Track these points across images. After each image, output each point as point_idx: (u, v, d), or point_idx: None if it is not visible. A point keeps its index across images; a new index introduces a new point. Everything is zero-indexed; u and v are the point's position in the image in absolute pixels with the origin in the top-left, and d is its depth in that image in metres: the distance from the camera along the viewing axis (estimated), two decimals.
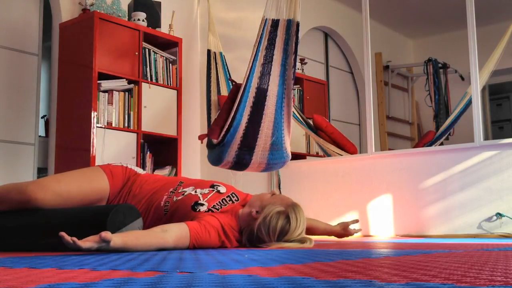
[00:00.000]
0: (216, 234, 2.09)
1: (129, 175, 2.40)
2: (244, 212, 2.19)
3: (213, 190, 2.28)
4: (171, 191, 2.27)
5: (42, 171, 4.07)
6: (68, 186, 2.21)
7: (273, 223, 2.08)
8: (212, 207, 2.19)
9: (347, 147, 4.60)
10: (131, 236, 1.82)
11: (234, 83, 3.88)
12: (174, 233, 1.95)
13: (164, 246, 1.91)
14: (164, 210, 2.21)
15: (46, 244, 2.02)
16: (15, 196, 2.14)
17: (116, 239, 1.69)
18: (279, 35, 3.29)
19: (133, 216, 2.04)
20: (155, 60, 4.22)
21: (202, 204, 2.18)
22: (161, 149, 4.26)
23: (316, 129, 4.71)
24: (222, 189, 2.31)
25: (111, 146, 3.78)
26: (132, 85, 4.00)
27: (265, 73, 3.29)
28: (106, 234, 1.64)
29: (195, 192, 2.25)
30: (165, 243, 1.91)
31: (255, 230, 2.10)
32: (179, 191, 2.26)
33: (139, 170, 2.48)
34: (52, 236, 1.65)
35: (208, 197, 2.22)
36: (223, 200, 2.24)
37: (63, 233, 1.61)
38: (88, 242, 1.63)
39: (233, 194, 2.30)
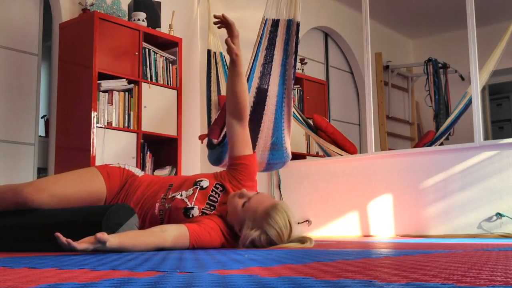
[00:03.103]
0: (216, 235, 2.08)
1: (127, 177, 2.38)
2: (230, 222, 2.15)
3: (197, 188, 2.22)
4: (162, 198, 2.23)
5: (42, 171, 4.07)
6: (65, 188, 2.20)
7: (260, 242, 2.02)
8: (203, 210, 2.16)
9: (347, 147, 4.60)
10: (128, 236, 1.81)
11: None
12: (173, 232, 1.95)
13: (163, 245, 1.90)
14: (160, 219, 2.19)
15: (44, 244, 2.01)
16: (11, 197, 2.14)
17: (113, 239, 1.69)
18: (279, 35, 3.29)
19: (128, 214, 2.03)
20: (155, 60, 4.22)
21: (192, 208, 2.15)
22: (161, 149, 4.26)
23: (316, 129, 4.71)
24: (205, 183, 2.24)
25: (111, 146, 3.78)
26: (132, 85, 4.00)
27: (265, 73, 3.29)
28: (101, 235, 1.64)
29: (181, 196, 2.20)
30: (164, 242, 1.90)
31: (246, 246, 2.06)
32: (169, 196, 2.22)
33: (137, 172, 2.45)
34: (50, 236, 1.65)
35: (194, 198, 2.18)
36: (210, 200, 2.19)
37: (58, 234, 1.60)
38: (83, 244, 1.62)
39: (216, 186, 2.23)
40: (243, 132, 2.31)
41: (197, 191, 2.21)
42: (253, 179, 2.32)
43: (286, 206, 2.08)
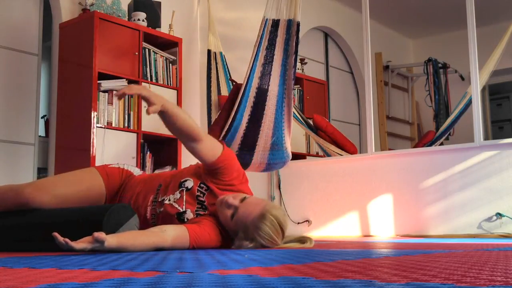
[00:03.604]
0: (215, 235, 2.09)
1: (125, 177, 2.38)
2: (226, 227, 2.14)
3: (183, 190, 2.18)
4: (153, 202, 2.21)
5: (42, 171, 4.07)
6: (65, 188, 2.20)
7: (255, 246, 2.02)
8: (196, 212, 2.15)
9: (347, 147, 4.60)
10: (127, 236, 1.81)
11: (234, 83, 3.89)
12: (172, 232, 1.95)
13: (162, 245, 1.90)
14: (152, 224, 2.17)
15: (44, 244, 2.01)
16: (12, 198, 2.14)
17: (111, 239, 1.69)
18: (279, 35, 3.30)
19: (128, 215, 2.03)
20: (155, 60, 4.22)
21: (185, 212, 2.13)
22: (161, 149, 4.25)
23: (316, 129, 4.71)
24: (189, 184, 2.19)
25: (111, 146, 3.78)
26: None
27: (266, 73, 3.29)
28: (99, 234, 1.64)
29: (169, 200, 2.17)
30: (163, 242, 1.90)
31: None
32: (159, 200, 2.20)
33: (135, 171, 2.44)
34: (50, 236, 1.65)
35: (183, 201, 2.15)
36: (199, 201, 2.16)
37: (56, 234, 1.60)
38: (81, 243, 1.62)
39: (201, 186, 2.18)
40: (205, 145, 2.17)
41: (184, 193, 2.17)
42: (236, 169, 2.23)
43: (274, 210, 2.02)
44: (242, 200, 2.05)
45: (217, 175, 2.17)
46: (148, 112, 1.96)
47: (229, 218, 2.04)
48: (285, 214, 2.09)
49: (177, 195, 2.17)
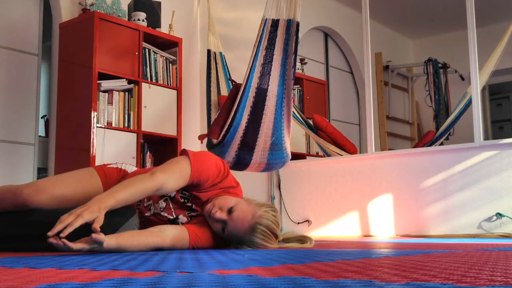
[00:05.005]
0: (214, 234, 2.08)
1: (122, 176, 2.37)
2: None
3: (167, 199, 2.13)
4: (137, 205, 2.17)
5: (42, 171, 4.07)
6: (64, 189, 2.19)
7: (252, 249, 2.01)
8: (189, 215, 2.14)
9: (347, 147, 4.60)
10: (126, 236, 1.80)
11: (234, 83, 3.89)
12: (172, 232, 1.94)
13: (162, 245, 1.90)
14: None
15: (44, 244, 2.01)
16: (10, 199, 2.14)
17: (110, 240, 1.68)
18: (279, 35, 3.30)
19: (128, 214, 2.03)
20: (155, 60, 4.22)
21: (177, 218, 2.11)
22: (161, 149, 4.26)
23: (316, 129, 4.71)
24: (172, 192, 2.11)
25: (111, 146, 3.78)
26: (132, 85, 4.00)
27: (265, 73, 3.29)
28: (97, 235, 1.63)
29: (156, 210, 2.13)
30: (163, 241, 1.90)
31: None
32: (145, 205, 2.16)
33: (129, 169, 2.42)
34: (48, 237, 1.65)
35: (172, 209, 2.11)
36: (187, 206, 2.12)
37: (51, 240, 1.60)
38: (79, 244, 1.62)
39: (183, 193, 2.12)
40: (171, 182, 1.96)
41: (169, 201, 2.13)
42: (213, 170, 2.07)
43: (264, 219, 1.97)
44: (229, 211, 1.98)
45: (198, 186, 2.09)
46: (95, 230, 1.65)
47: (220, 231, 2.03)
48: (275, 214, 2.03)
49: (162, 204, 2.12)
